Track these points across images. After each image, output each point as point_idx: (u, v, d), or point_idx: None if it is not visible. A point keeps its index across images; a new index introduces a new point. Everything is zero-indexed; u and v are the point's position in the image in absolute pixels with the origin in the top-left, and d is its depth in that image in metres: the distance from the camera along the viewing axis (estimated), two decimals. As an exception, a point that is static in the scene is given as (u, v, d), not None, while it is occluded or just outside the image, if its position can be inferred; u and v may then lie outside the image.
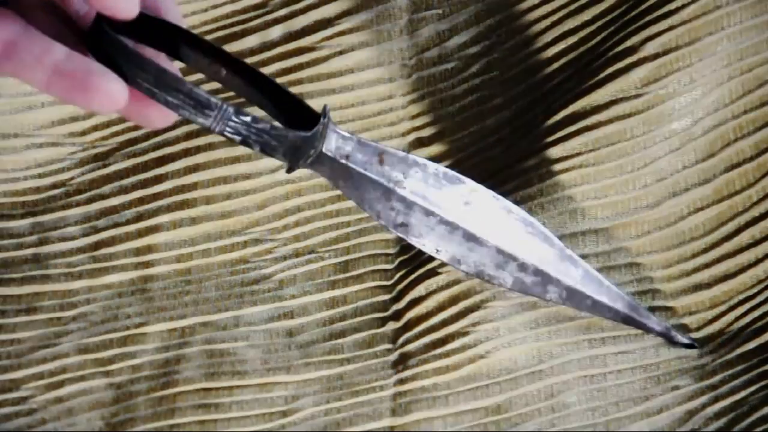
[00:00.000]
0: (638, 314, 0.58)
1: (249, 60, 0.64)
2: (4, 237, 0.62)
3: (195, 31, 0.64)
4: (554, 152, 0.60)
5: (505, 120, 0.63)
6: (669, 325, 0.58)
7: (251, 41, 0.64)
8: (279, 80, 0.63)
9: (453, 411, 0.57)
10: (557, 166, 0.60)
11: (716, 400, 0.56)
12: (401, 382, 0.58)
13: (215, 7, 0.65)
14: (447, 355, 0.58)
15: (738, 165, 0.60)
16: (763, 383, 0.56)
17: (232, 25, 0.65)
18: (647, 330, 0.58)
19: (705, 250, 0.60)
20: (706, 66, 0.60)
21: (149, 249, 0.61)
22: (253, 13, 0.65)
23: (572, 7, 0.63)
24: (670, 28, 0.60)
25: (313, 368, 0.58)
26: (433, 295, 0.59)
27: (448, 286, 0.59)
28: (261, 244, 0.62)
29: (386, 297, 0.60)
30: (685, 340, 0.58)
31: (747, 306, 0.58)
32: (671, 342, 0.58)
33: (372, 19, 0.64)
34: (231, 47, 0.64)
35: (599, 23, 0.63)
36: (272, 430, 0.57)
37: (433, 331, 0.58)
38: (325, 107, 0.53)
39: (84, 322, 0.60)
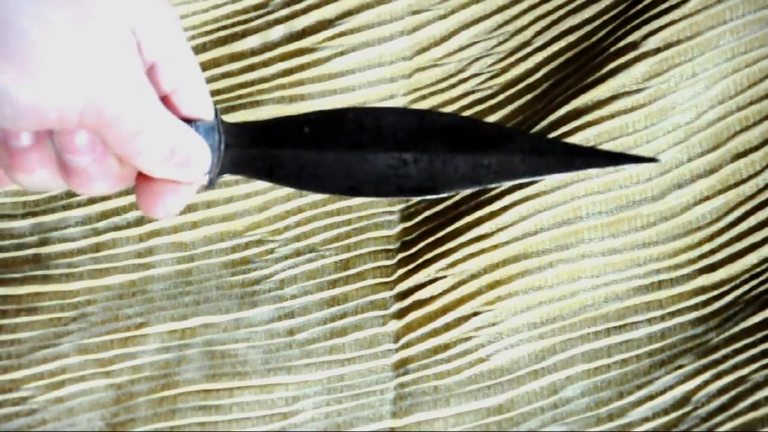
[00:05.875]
0: (582, 152, 0.53)
1: (250, 60, 0.64)
2: (5, 237, 0.61)
3: (195, 32, 0.65)
4: (556, 147, 0.60)
5: (505, 120, 0.63)
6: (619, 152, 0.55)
7: (252, 41, 0.64)
8: (280, 81, 0.63)
9: (454, 412, 0.56)
10: (559, 161, 0.59)
11: (719, 376, 0.56)
12: (402, 386, 0.57)
13: (216, 7, 0.65)
14: (448, 360, 0.57)
15: (744, 154, 0.60)
16: (766, 361, 0.55)
17: (233, 25, 0.65)
18: (600, 160, 0.52)
19: (712, 237, 0.59)
20: (708, 60, 0.60)
21: (150, 251, 0.61)
22: (254, 14, 0.65)
23: (572, 5, 0.63)
24: (672, 22, 0.60)
25: (314, 369, 0.58)
26: (438, 298, 0.59)
27: (453, 288, 0.59)
28: (263, 245, 0.61)
29: (387, 294, 0.59)
30: (643, 155, 0.56)
31: (752, 283, 0.58)
32: (627, 160, 0.53)
33: (373, 20, 0.64)
34: (232, 47, 0.64)
35: (600, 21, 0.63)
36: (273, 431, 0.56)
37: (435, 335, 0.58)
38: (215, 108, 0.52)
39: (84, 322, 0.59)
